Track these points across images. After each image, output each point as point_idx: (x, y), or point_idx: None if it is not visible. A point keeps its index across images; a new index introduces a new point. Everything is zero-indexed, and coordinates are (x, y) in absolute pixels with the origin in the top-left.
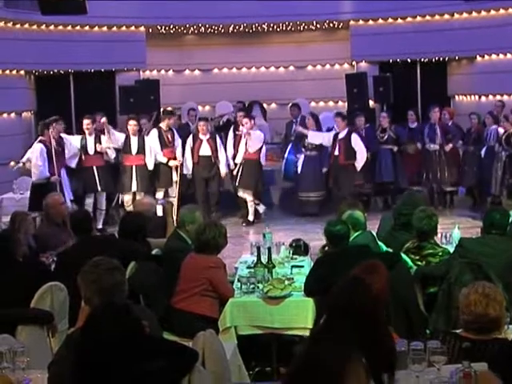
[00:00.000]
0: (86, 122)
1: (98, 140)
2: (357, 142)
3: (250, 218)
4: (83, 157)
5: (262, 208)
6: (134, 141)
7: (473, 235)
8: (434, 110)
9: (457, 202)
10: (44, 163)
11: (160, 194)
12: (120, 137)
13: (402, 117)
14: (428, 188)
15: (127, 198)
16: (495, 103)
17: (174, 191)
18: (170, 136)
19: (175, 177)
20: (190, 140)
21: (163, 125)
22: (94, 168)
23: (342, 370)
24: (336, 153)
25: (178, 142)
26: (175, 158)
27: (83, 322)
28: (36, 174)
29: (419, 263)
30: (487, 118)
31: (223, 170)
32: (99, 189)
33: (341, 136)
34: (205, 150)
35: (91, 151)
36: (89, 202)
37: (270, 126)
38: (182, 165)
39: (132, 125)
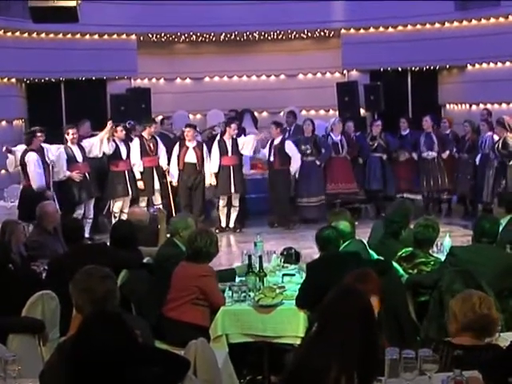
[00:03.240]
0: (71, 131)
1: (81, 148)
2: (290, 148)
3: (231, 224)
4: (68, 166)
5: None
6: (123, 147)
7: (464, 244)
8: (426, 118)
9: (448, 210)
10: (42, 171)
11: (143, 202)
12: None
13: (392, 125)
14: (423, 196)
15: (119, 205)
16: (481, 112)
17: (157, 199)
18: (152, 144)
19: (157, 185)
20: (176, 147)
21: (145, 133)
22: (87, 175)
23: (333, 379)
24: (271, 159)
25: (162, 150)
26: (158, 167)
27: (75, 330)
28: (36, 182)
29: (411, 271)
30: (482, 125)
31: (208, 180)
32: (94, 195)
33: (275, 143)
34: (190, 157)
35: (80, 159)
36: (79, 211)
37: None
38: (168, 172)
39: (119, 131)
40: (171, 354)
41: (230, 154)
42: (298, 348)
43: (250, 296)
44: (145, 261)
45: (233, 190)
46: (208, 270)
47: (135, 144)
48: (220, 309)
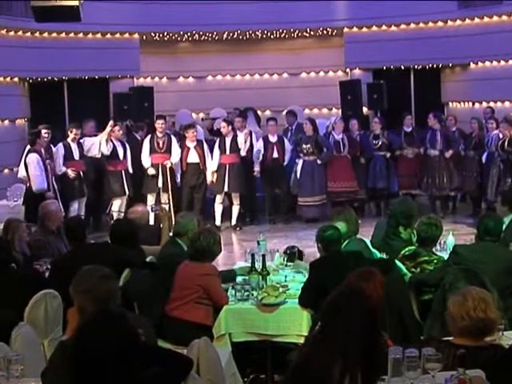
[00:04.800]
0: (75, 131)
1: (79, 145)
2: (287, 144)
3: (233, 222)
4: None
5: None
6: (120, 147)
7: (467, 242)
8: (430, 116)
9: (453, 209)
10: (41, 173)
11: (150, 200)
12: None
13: (395, 123)
14: (428, 193)
15: (118, 204)
16: (484, 110)
17: (163, 197)
18: (162, 142)
19: (160, 183)
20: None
21: (157, 130)
22: (81, 173)
23: (336, 379)
24: (275, 155)
25: (176, 147)
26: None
27: (73, 329)
28: (36, 184)
29: (414, 270)
30: (491, 123)
31: (209, 178)
32: (86, 194)
33: (274, 140)
34: (192, 157)
35: (76, 156)
36: (73, 208)
37: (264, 134)
38: (172, 171)
39: (116, 130)
40: (174, 353)
41: (228, 152)
42: (301, 347)
43: (253, 295)
44: (148, 260)
45: (226, 189)
46: (211, 268)
47: (146, 140)
48: (223, 308)
